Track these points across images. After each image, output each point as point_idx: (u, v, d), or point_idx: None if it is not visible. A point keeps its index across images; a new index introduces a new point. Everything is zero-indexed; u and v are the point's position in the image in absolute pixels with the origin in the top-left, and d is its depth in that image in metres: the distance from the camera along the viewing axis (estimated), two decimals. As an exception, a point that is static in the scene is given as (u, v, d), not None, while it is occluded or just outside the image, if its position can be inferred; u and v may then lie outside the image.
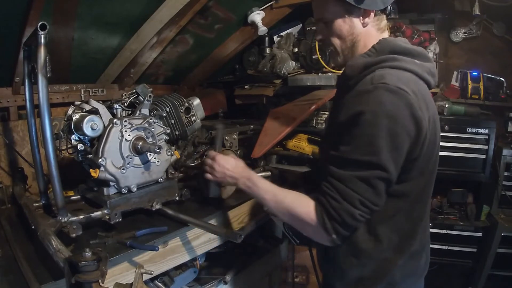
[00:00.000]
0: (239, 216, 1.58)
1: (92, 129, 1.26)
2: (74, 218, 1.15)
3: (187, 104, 1.61)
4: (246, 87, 2.61)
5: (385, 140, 0.84)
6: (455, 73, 2.54)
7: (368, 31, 1.01)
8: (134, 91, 1.43)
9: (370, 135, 0.85)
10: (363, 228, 0.98)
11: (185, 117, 1.61)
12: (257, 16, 2.24)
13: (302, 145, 2.19)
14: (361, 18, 0.99)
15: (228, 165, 1.18)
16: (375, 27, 1.02)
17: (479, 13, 2.25)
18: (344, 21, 1.00)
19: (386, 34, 1.06)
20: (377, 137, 0.84)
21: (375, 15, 1.00)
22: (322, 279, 1.38)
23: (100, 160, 1.21)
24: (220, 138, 1.41)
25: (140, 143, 1.28)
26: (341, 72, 1.12)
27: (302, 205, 0.97)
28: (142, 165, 1.33)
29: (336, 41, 1.04)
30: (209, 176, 1.24)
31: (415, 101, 0.86)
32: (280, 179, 1.69)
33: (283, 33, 2.59)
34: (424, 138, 0.90)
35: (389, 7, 1.02)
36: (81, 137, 1.30)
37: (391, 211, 0.97)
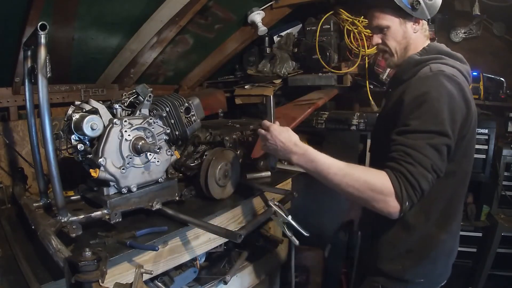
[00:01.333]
0: (239, 216, 1.58)
1: (92, 129, 1.26)
2: (74, 218, 1.15)
3: (187, 104, 1.61)
4: (246, 87, 2.61)
5: (447, 113, 0.99)
6: (455, 73, 2.53)
7: (417, 36, 1.19)
8: (134, 91, 1.43)
9: (437, 109, 0.99)
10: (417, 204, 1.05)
11: (185, 117, 1.60)
12: (257, 16, 2.24)
13: (302, 145, 2.18)
14: (413, 25, 1.17)
15: (281, 137, 1.14)
16: (423, 33, 1.20)
17: (479, 13, 2.24)
18: (400, 27, 1.17)
19: (429, 41, 1.22)
20: (442, 110, 0.98)
21: (423, 24, 1.19)
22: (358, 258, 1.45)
23: (100, 160, 1.21)
24: (271, 108, 1.28)
25: (140, 143, 1.28)
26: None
27: (375, 174, 1.00)
28: (142, 165, 1.33)
29: (392, 44, 1.20)
30: (264, 147, 1.21)
31: (466, 88, 1.05)
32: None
33: (283, 33, 2.59)
34: (471, 120, 1.06)
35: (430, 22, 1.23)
36: (81, 137, 1.30)
37: (438, 190, 1.07)
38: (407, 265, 1.13)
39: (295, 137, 1.14)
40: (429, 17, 1.18)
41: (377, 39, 1.23)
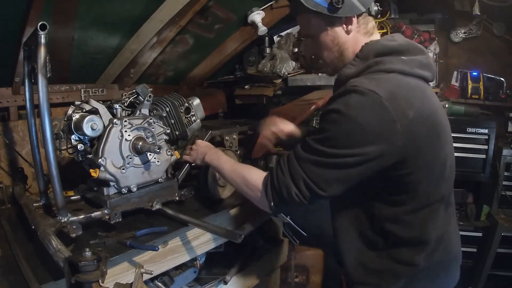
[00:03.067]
0: (239, 216, 1.58)
1: (92, 129, 1.26)
2: (74, 218, 1.15)
3: (187, 104, 1.61)
4: (246, 87, 2.60)
5: (343, 137, 0.89)
6: (455, 73, 2.54)
7: (354, 37, 1.02)
8: (134, 91, 1.43)
9: (333, 131, 0.91)
10: (370, 224, 1.01)
11: (185, 117, 1.60)
12: (257, 16, 2.23)
13: (302, 145, 2.18)
14: (344, 26, 1.00)
15: (202, 144, 1.41)
16: (362, 31, 1.02)
17: (479, 13, 2.25)
18: (327, 33, 1.01)
19: (376, 36, 1.05)
20: (337, 133, 0.90)
21: (359, 20, 1.01)
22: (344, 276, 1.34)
23: (100, 160, 1.21)
24: (206, 136, 1.64)
25: (140, 143, 1.28)
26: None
27: (256, 172, 1.11)
28: (142, 165, 1.33)
29: (323, 54, 1.06)
30: (186, 157, 1.43)
31: (386, 101, 0.86)
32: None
33: (283, 33, 2.59)
34: (401, 138, 0.87)
35: (375, 8, 1.02)
36: (81, 137, 1.30)
37: (394, 208, 0.97)
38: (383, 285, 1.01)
39: (212, 146, 1.38)
40: (362, 11, 0.97)
41: (308, 51, 1.16)
